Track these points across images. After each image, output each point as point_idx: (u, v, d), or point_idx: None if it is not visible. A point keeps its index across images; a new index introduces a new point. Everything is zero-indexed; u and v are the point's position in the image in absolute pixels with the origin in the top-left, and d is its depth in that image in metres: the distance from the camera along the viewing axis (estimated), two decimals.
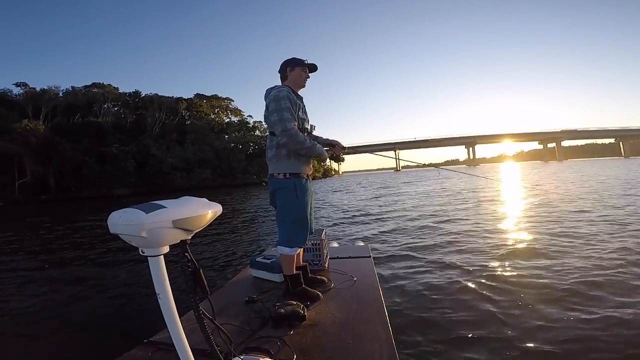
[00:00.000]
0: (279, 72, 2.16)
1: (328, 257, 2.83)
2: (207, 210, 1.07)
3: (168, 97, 61.83)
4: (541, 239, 4.87)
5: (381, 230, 6.76)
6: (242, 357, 1.31)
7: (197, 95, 67.95)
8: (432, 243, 5.07)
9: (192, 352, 1.03)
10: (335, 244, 3.89)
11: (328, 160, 2.38)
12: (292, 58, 2.11)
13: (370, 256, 3.01)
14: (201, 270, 1.05)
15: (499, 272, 3.45)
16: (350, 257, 2.99)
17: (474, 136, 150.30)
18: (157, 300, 0.97)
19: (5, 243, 8.89)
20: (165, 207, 0.98)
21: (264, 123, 2.47)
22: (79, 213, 17.99)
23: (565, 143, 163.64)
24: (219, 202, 1.14)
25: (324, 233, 2.74)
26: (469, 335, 2.21)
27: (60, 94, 53.30)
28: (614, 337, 2.07)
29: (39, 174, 38.84)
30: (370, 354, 1.43)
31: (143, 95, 60.03)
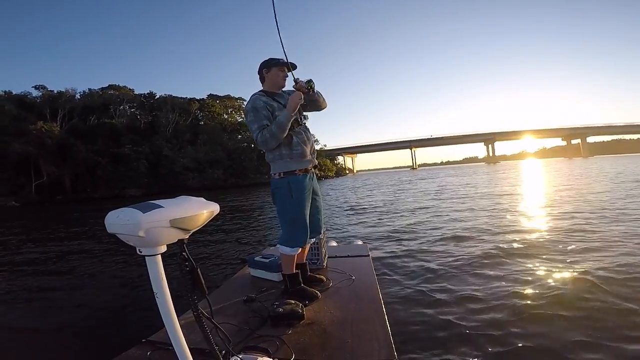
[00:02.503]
0: (258, 73, 2.13)
1: (327, 256, 2.86)
2: (204, 210, 1.09)
3: (181, 97, 62.90)
4: (543, 236, 4.88)
5: (379, 229, 6.79)
6: (240, 356, 1.33)
7: (210, 96, 68.91)
8: (431, 243, 5.08)
9: (190, 351, 1.05)
10: (333, 243, 3.93)
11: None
12: (267, 59, 2.09)
13: (368, 255, 3.04)
14: (199, 270, 1.07)
15: (499, 272, 3.44)
16: (348, 256, 3.03)
17: (493, 133, 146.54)
18: (155, 300, 0.99)
19: (5, 243, 9.06)
20: (162, 206, 0.99)
21: None
22: (86, 213, 18.25)
23: (591, 139, 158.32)
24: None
25: (322, 232, 2.76)
26: (468, 335, 2.23)
27: (78, 96, 54.80)
28: None
29: (54, 175, 40.04)
30: (368, 352, 1.45)
31: (157, 96, 61.31)
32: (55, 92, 52.04)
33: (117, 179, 42.40)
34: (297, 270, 2.17)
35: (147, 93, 61.25)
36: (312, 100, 2.13)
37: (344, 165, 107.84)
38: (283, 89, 2.16)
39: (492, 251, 4.21)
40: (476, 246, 4.58)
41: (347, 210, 10.72)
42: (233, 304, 2.11)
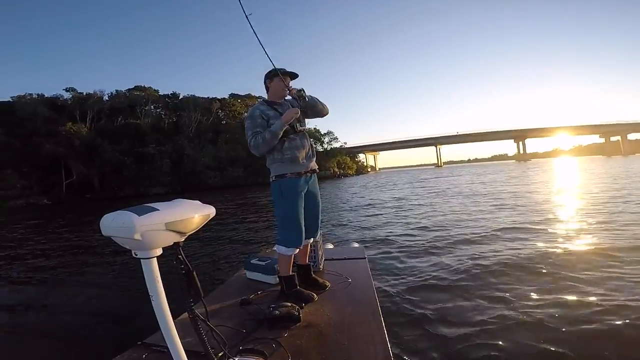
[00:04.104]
0: (263, 84, 2.30)
1: (323, 258, 2.88)
2: (200, 213, 1.11)
3: (203, 97, 64.48)
4: (546, 240, 4.76)
5: (376, 230, 6.77)
6: (236, 359, 1.34)
7: (232, 95, 70.27)
8: (430, 245, 5.04)
9: (186, 354, 1.07)
10: (330, 246, 3.96)
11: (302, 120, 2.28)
12: (270, 70, 2.21)
13: (365, 258, 3.06)
14: (194, 272, 1.09)
15: (498, 275, 3.43)
16: (345, 259, 3.05)
17: (524, 129, 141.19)
18: (151, 302, 1.01)
19: (5, 242, 9.22)
20: (157, 209, 1.01)
21: None
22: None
23: (632, 136, 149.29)
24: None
25: (319, 234, 2.77)
26: (466, 339, 2.23)
27: (106, 97, 57.09)
28: None
29: (83, 175, 41.97)
30: (365, 355, 1.47)
31: (181, 97, 63.16)
32: (85, 94, 54.46)
33: (141, 177, 44.01)
34: (293, 273, 2.22)
35: (171, 93, 63.21)
36: (311, 106, 2.23)
37: (365, 163, 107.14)
38: (286, 98, 2.30)
39: (492, 255, 4.17)
40: (476, 249, 4.54)
41: (344, 210, 10.68)
42: (229, 307, 2.13)
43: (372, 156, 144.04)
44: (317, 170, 2.32)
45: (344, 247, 4.24)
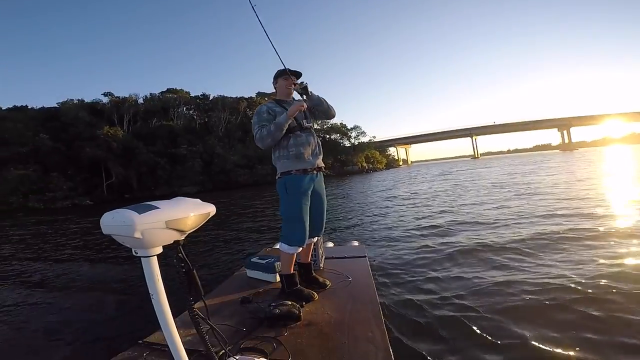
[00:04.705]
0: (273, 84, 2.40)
1: (324, 257, 2.88)
2: (200, 211, 1.10)
3: (231, 97, 66.09)
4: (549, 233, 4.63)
5: (375, 228, 6.74)
6: (237, 358, 1.35)
7: (258, 94, 71.39)
8: (432, 243, 5.01)
9: (187, 352, 1.07)
10: (330, 244, 3.97)
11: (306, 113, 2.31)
12: (277, 71, 2.30)
13: (365, 256, 3.07)
14: (195, 271, 1.09)
15: (500, 273, 3.41)
16: (345, 257, 3.06)
17: (569, 118, 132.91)
18: (151, 301, 1.01)
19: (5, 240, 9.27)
20: (158, 207, 1.01)
21: None
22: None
23: None
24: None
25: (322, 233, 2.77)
26: (468, 338, 2.23)
27: (141, 100, 59.62)
28: None
29: (122, 176, 44.10)
30: (365, 354, 1.47)
31: (211, 97, 65.07)
32: (121, 98, 57.41)
33: (175, 177, 45.72)
34: (294, 271, 2.22)
35: (201, 95, 65.22)
36: (316, 104, 2.27)
37: (396, 157, 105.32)
38: (295, 98, 2.38)
39: (495, 253, 4.13)
40: (477, 248, 4.47)
41: (345, 211, 10.50)
42: (229, 305, 2.13)
43: (404, 149, 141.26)
44: (324, 169, 2.33)
45: (345, 245, 4.24)
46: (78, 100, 55.33)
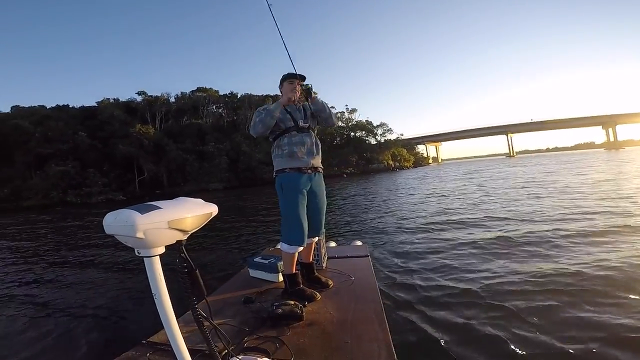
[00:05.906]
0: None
1: (326, 256, 2.87)
2: (202, 211, 1.10)
3: (257, 95, 67.13)
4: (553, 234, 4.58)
5: (377, 227, 6.71)
6: (239, 357, 1.35)
7: None
8: (434, 242, 4.98)
9: (190, 352, 1.07)
10: (332, 244, 3.96)
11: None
12: (283, 75, 2.34)
13: (368, 256, 3.05)
14: (197, 271, 1.09)
15: (504, 273, 3.35)
16: (348, 257, 3.05)
17: (614, 115, 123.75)
18: (154, 301, 1.02)
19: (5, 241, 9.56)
20: (160, 207, 1.02)
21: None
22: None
23: None
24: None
25: (322, 233, 2.72)
26: (470, 337, 2.20)
27: (172, 99, 62.05)
28: None
29: (153, 172, 46.40)
30: (368, 354, 1.46)
31: (239, 95, 66.95)
32: (153, 96, 59.76)
33: (202, 174, 47.42)
34: (296, 271, 2.22)
35: (229, 93, 66.89)
36: (318, 109, 2.28)
37: (426, 154, 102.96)
38: (303, 104, 2.39)
39: (495, 252, 4.12)
40: (478, 248, 4.44)
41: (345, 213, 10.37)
42: (232, 305, 2.14)
43: (434, 147, 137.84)
44: (322, 170, 2.32)
45: (347, 245, 4.22)
46: (114, 99, 58.17)
